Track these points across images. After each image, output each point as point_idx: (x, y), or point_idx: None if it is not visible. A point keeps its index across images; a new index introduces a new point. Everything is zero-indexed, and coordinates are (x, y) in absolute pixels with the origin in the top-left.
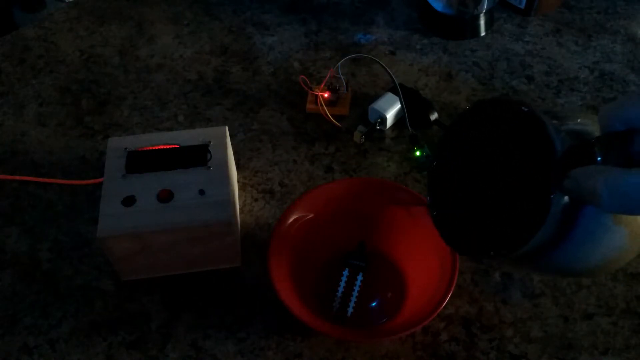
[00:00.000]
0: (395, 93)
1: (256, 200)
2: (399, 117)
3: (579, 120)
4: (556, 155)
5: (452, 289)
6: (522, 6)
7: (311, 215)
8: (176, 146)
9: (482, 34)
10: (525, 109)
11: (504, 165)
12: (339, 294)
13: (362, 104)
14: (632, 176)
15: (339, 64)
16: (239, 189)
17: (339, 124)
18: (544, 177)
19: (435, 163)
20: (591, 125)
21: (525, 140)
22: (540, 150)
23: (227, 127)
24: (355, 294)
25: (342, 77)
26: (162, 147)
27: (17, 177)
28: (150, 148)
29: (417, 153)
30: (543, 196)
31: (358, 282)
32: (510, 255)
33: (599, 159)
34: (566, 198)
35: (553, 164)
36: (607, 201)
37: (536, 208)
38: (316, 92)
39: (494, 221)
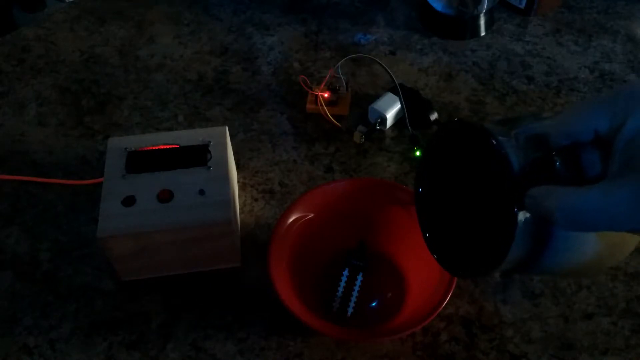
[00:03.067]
0: (395, 93)
1: (256, 200)
2: (399, 117)
3: (535, 122)
4: (514, 175)
5: (452, 289)
6: (522, 6)
7: (311, 215)
8: (176, 146)
9: (482, 34)
10: (481, 130)
11: (474, 187)
12: (339, 294)
13: (362, 104)
14: (581, 197)
15: (339, 64)
16: (239, 189)
17: (339, 124)
18: (507, 197)
19: (420, 189)
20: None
21: (487, 161)
22: (500, 170)
23: (227, 127)
24: (355, 294)
25: (342, 77)
26: (162, 147)
27: (17, 177)
28: (150, 148)
29: (417, 153)
30: (509, 215)
31: (358, 282)
32: (489, 274)
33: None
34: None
35: (512, 184)
36: (562, 222)
37: (505, 227)
38: (316, 92)
39: (473, 242)
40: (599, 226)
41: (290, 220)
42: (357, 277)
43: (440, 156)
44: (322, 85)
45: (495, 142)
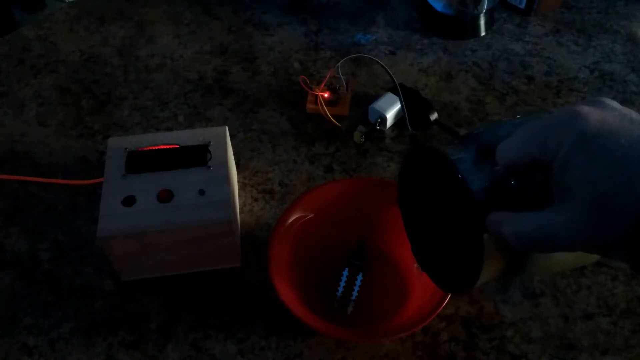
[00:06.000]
0: (395, 93)
1: (256, 200)
2: (399, 117)
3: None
4: (475, 201)
5: None
6: (522, 6)
7: (311, 215)
8: (176, 146)
9: (482, 34)
10: (442, 156)
11: (444, 208)
12: (339, 293)
13: (362, 104)
14: (531, 225)
15: (339, 64)
16: (239, 189)
17: (339, 124)
18: (471, 221)
19: (399, 206)
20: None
21: (451, 186)
22: (462, 196)
23: (227, 127)
24: (355, 293)
25: (342, 77)
26: (162, 147)
27: (17, 177)
28: (150, 148)
29: None
30: (476, 238)
31: (358, 282)
32: (468, 291)
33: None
34: None
35: (473, 209)
36: (519, 247)
37: (474, 249)
38: (316, 92)
39: (451, 260)
40: (551, 250)
41: (290, 220)
42: (357, 277)
43: (413, 178)
44: (322, 85)
45: (455, 169)
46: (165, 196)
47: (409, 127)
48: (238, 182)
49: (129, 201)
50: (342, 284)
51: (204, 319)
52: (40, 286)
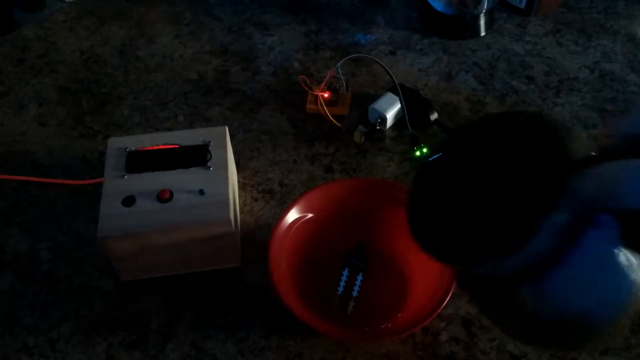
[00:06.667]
0: (395, 93)
1: (256, 200)
2: (399, 117)
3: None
4: (571, 157)
5: (452, 289)
6: (522, 6)
7: (311, 215)
8: (176, 146)
9: (482, 34)
10: (540, 117)
11: (509, 175)
12: (339, 293)
13: (362, 104)
14: None
15: (339, 64)
16: (239, 189)
17: (339, 124)
18: (552, 183)
19: (420, 172)
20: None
21: (537, 149)
22: (553, 156)
23: (227, 127)
24: (355, 293)
25: (342, 77)
26: (162, 147)
27: (17, 177)
28: (150, 148)
29: (417, 153)
30: (546, 202)
31: (358, 282)
32: (500, 259)
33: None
34: (566, 216)
35: (568, 166)
36: (631, 190)
37: (536, 214)
38: (316, 92)
39: (486, 229)
40: None
41: (290, 220)
42: (357, 277)
43: (472, 144)
44: (322, 85)
45: (553, 126)
46: (165, 196)
47: (409, 127)
48: (238, 182)
49: (129, 201)
50: (342, 284)
51: (204, 319)
52: (40, 286)
